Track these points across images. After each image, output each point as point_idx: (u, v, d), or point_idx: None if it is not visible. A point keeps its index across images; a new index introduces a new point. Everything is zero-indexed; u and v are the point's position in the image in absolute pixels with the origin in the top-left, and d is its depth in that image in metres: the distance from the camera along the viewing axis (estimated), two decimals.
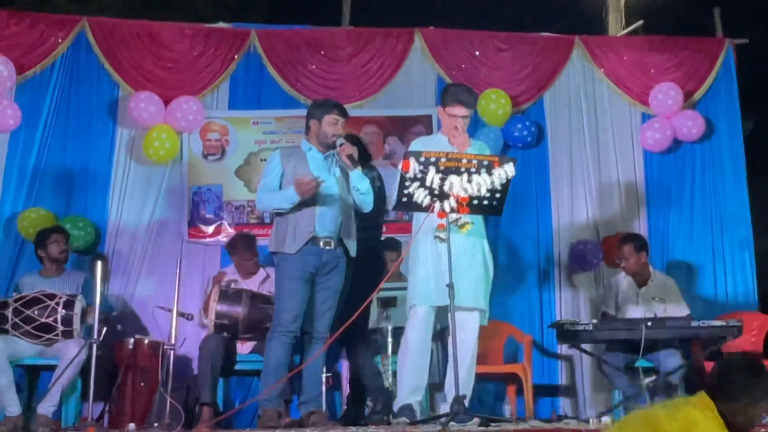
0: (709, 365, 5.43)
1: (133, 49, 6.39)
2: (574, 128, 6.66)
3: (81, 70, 6.36)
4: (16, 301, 4.89)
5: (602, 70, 6.71)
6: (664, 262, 6.39)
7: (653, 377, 4.89)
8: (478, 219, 4.17)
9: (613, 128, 6.67)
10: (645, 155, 6.62)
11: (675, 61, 6.70)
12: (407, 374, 4.13)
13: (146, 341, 5.25)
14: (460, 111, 4.28)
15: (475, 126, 6.34)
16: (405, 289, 4.36)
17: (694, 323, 4.85)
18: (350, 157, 4.43)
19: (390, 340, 4.67)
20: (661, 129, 6.46)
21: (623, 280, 5.64)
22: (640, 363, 4.95)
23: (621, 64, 6.72)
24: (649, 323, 4.82)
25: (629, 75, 6.70)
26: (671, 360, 5.05)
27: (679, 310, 5.45)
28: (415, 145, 4.38)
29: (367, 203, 4.60)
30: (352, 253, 4.58)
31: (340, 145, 4.46)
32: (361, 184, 4.49)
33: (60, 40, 6.31)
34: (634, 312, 5.46)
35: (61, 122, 6.27)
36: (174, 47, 6.47)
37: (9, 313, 4.84)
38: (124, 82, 6.33)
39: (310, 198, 4.40)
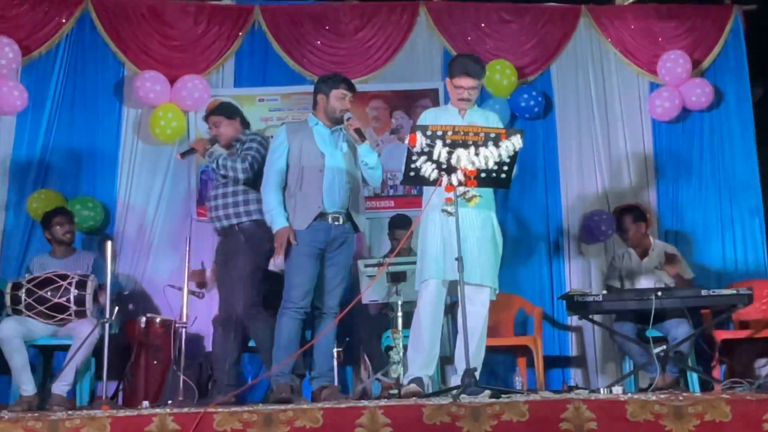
0: (719, 334, 5.44)
1: (137, 28, 6.38)
2: (582, 98, 6.62)
3: (86, 50, 6.35)
4: (29, 281, 4.93)
5: (609, 39, 6.66)
6: (674, 231, 6.37)
7: (664, 346, 4.89)
8: (488, 192, 4.16)
9: (621, 98, 6.63)
10: (653, 124, 6.58)
11: (683, 29, 6.63)
12: (418, 349, 4.14)
13: (158, 320, 5.29)
14: (467, 82, 4.26)
15: (481, 98, 6.29)
16: (414, 263, 4.36)
17: (704, 292, 4.84)
18: (357, 131, 4.42)
19: (400, 314, 4.69)
20: (670, 98, 6.42)
21: (625, 254, 5.65)
22: (651, 333, 4.96)
23: (628, 32, 6.66)
24: (659, 293, 4.81)
25: (637, 44, 6.64)
26: (681, 329, 5.05)
27: (683, 274, 5.45)
28: (426, 115, 4.37)
29: (375, 178, 4.60)
30: (361, 228, 4.60)
31: (348, 119, 4.45)
32: (369, 158, 4.48)
33: (64, 21, 6.30)
34: (640, 283, 5.46)
35: (68, 103, 6.28)
36: (178, 25, 6.44)
37: (22, 293, 4.88)
38: (129, 62, 6.33)
39: (317, 174, 4.40)
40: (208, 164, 4.99)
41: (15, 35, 6.07)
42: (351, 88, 4.59)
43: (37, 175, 6.10)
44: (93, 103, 6.32)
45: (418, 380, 4.06)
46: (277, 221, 4.41)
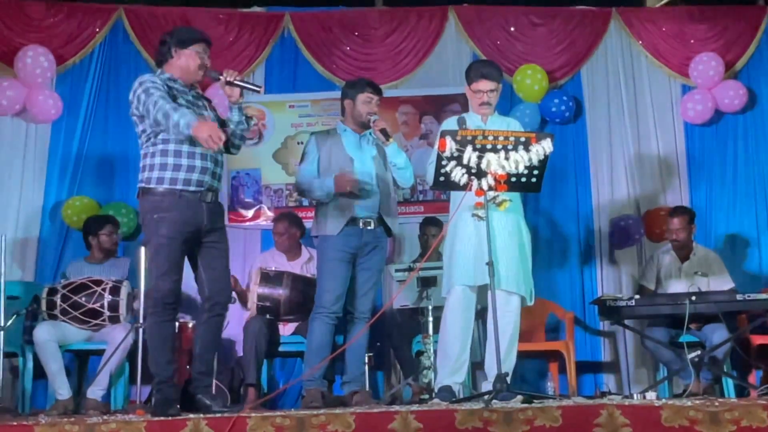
0: (755, 339, 5.36)
1: None
2: (613, 102, 6.57)
3: (119, 58, 6.44)
4: (64, 287, 4.99)
5: (640, 42, 6.60)
6: (708, 235, 6.29)
7: (698, 352, 4.84)
8: (516, 197, 4.15)
9: (652, 101, 6.57)
10: (686, 127, 6.51)
11: (715, 31, 6.55)
12: (446, 356, 4.13)
13: (191, 324, 5.33)
14: (485, 85, 4.25)
15: (511, 102, 6.30)
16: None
17: (739, 297, 4.78)
18: (383, 131, 4.43)
19: (431, 319, 4.68)
20: (702, 100, 6.35)
21: (665, 255, 5.59)
22: (685, 338, 4.90)
23: (660, 35, 6.60)
24: (693, 297, 4.76)
25: (668, 46, 6.58)
26: (717, 334, 4.99)
27: (723, 283, 5.39)
28: (448, 124, 4.37)
29: (406, 178, 4.61)
30: (394, 230, 4.63)
31: (373, 121, 4.46)
32: (397, 158, 4.50)
33: (97, 30, 6.39)
34: (677, 287, 5.41)
35: (101, 110, 6.36)
36: (209, 33, 6.47)
37: (57, 299, 4.94)
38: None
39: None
40: (236, 108, 4.02)
41: (50, 44, 6.17)
42: (377, 91, 4.62)
43: (71, 182, 6.19)
44: (126, 110, 6.22)
45: (447, 389, 4.05)
46: (327, 181, 4.41)
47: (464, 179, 3.81)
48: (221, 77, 3.95)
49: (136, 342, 4.69)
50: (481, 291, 4.10)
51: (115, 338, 4.85)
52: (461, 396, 4.06)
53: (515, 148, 3.78)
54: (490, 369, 4.01)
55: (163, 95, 3.73)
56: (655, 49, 6.58)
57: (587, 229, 6.40)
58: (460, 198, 4.08)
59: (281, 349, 5.34)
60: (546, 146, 3.79)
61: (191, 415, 3.36)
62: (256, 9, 6.69)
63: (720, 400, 3.68)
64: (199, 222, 3.83)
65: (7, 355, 4.98)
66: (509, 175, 3.81)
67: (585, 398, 4.46)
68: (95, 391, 4.88)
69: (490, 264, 3.77)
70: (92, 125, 6.32)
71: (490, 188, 3.79)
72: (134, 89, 3.84)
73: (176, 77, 3.91)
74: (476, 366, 5.14)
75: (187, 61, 3.90)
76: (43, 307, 4.96)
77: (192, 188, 3.79)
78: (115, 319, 4.98)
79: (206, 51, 3.98)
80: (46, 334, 4.91)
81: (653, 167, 6.46)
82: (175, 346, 3.92)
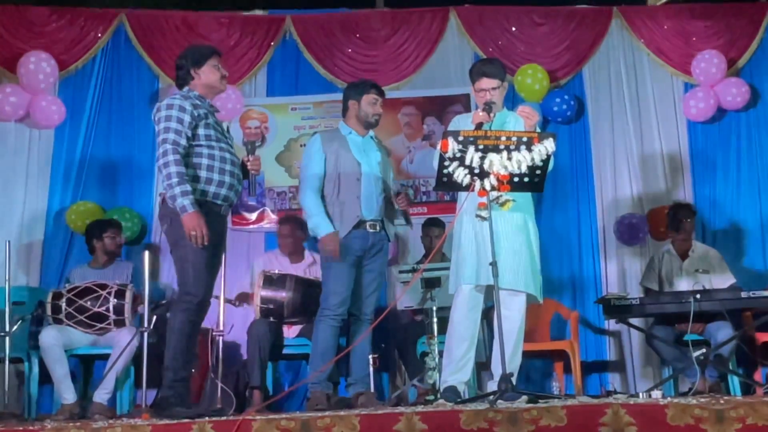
0: (760, 336, 5.35)
1: (170, 41, 6.47)
2: (615, 101, 6.57)
3: (121, 63, 6.47)
4: (69, 291, 5.00)
5: (642, 40, 6.60)
6: (712, 233, 6.29)
7: (703, 350, 4.82)
8: (525, 195, 4.14)
9: (654, 99, 6.57)
10: (688, 125, 6.51)
11: (717, 28, 6.55)
12: (452, 355, 4.13)
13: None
14: (487, 83, 4.23)
15: (513, 102, 6.29)
16: (448, 269, 4.35)
17: (744, 294, 4.77)
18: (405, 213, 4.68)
19: (435, 320, 4.68)
20: (705, 98, 6.34)
21: (665, 255, 5.59)
22: (690, 336, 4.89)
23: (661, 33, 6.60)
24: (698, 296, 4.75)
25: (670, 44, 6.58)
26: (722, 332, 4.98)
27: (724, 280, 5.39)
28: (457, 121, 4.37)
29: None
30: (391, 236, 4.62)
31: (397, 195, 4.64)
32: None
33: (100, 35, 6.42)
34: (679, 285, 5.40)
35: (104, 115, 6.39)
36: (211, 37, 6.51)
37: (63, 303, 4.95)
38: (163, 74, 6.42)
39: (355, 182, 4.44)
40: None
41: (52, 50, 6.20)
42: (381, 93, 4.67)
43: (75, 187, 6.21)
44: (129, 115, 6.42)
45: (452, 389, 4.04)
46: (323, 227, 4.44)
47: (467, 180, 3.80)
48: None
49: (140, 346, 4.69)
50: (488, 290, 4.10)
51: (121, 342, 4.85)
52: (466, 396, 4.06)
53: (517, 148, 3.77)
54: (496, 369, 4.00)
55: (177, 141, 3.81)
56: (656, 47, 6.58)
57: (591, 228, 6.40)
58: (464, 198, 4.07)
59: (286, 351, 5.34)
60: (548, 146, 3.78)
61: (196, 419, 3.36)
62: (258, 12, 6.71)
63: (725, 397, 3.67)
64: (221, 234, 4.03)
65: (12, 360, 5.00)
66: (512, 175, 3.80)
67: (590, 398, 4.45)
68: (101, 395, 4.88)
69: (494, 264, 3.76)
70: (95, 130, 6.35)
71: (493, 188, 3.78)
72: (157, 112, 3.92)
73: (203, 95, 4.06)
74: (481, 366, 5.14)
75: (208, 76, 4.05)
76: (49, 311, 4.97)
77: (218, 202, 3.94)
78: (120, 323, 4.98)
79: (220, 61, 4.12)
80: (52, 338, 4.92)
81: (656, 165, 6.46)
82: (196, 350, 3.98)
